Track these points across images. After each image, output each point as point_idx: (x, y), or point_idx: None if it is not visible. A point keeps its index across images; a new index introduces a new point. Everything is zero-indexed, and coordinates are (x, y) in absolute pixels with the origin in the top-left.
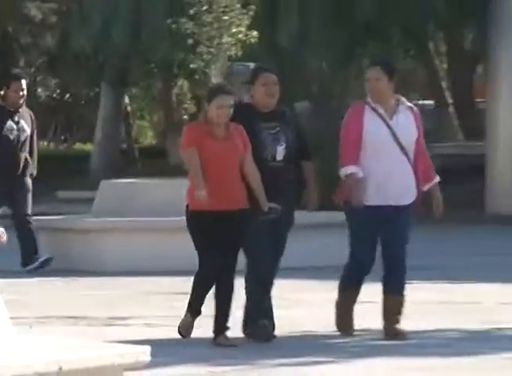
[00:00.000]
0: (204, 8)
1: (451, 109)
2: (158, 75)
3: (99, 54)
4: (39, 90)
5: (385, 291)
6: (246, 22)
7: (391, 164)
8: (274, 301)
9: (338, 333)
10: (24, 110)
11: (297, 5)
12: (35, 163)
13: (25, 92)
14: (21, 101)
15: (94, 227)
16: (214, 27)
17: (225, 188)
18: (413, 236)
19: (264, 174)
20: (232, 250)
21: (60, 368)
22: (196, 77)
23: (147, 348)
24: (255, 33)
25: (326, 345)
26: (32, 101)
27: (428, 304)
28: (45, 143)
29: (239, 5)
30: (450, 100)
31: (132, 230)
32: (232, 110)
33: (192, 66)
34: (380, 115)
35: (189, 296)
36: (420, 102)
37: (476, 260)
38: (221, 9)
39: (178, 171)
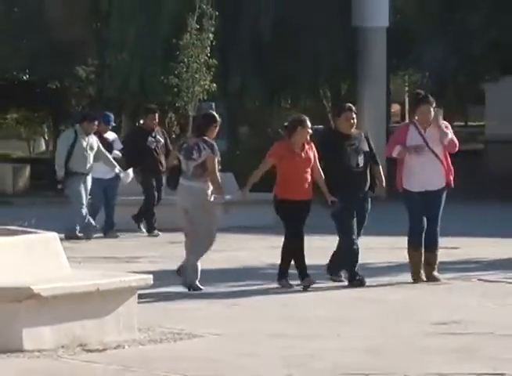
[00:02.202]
0: (184, 69)
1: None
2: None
3: (121, 98)
4: None
5: (426, 248)
6: (209, 78)
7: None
8: None
9: None
10: (158, 129)
11: (239, 67)
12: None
13: (156, 121)
14: (155, 126)
15: None
16: (190, 81)
17: (301, 185)
18: None
19: (350, 176)
20: (302, 225)
21: (98, 289)
22: (180, 111)
23: (151, 276)
24: (214, 85)
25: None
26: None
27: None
28: None
29: (204, 68)
30: (333, 126)
31: None
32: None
33: (177, 105)
34: (418, 130)
35: (279, 264)
36: (315, 126)
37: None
38: (194, 70)
39: None
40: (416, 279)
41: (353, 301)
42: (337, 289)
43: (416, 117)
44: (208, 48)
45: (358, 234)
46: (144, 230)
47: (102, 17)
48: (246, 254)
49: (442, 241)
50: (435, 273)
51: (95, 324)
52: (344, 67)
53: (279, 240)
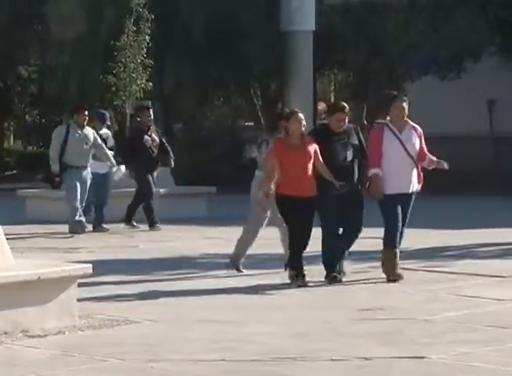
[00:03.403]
0: (121, 69)
1: (263, 128)
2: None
3: (61, 97)
4: (27, 117)
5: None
6: (146, 77)
7: (404, 165)
8: None
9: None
10: (153, 128)
11: (174, 67)
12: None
13: (152, 117)
14: (151, 123)
15: None
16: (127, 80)
17: (301, 181)
18: None
19: (338, 170)
20: (308, 221)
21: (39, 277)
22: (118, 109)
23: (90, 265)
24: (150, 84)
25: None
26: (23, 123)
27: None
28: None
29: (141, 68)
30: (263, 123)
31: None
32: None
33: (115, 103)
34: (393, 132)
35: (288, 261)
36: (246, 123)
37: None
38: (131, 70)
39: None
40: (396, 278)
41: (285, 289)
42: (270, 277)
43: (389, 117)
44: (144, 49)
45: (359, 227)
46: (135, 224)
47: (43, 19)
48: (181, 244)
49: (372, 231)
50: (398, 271)
51: (36, 311)
52: (273, 68)
53: (213, 231)
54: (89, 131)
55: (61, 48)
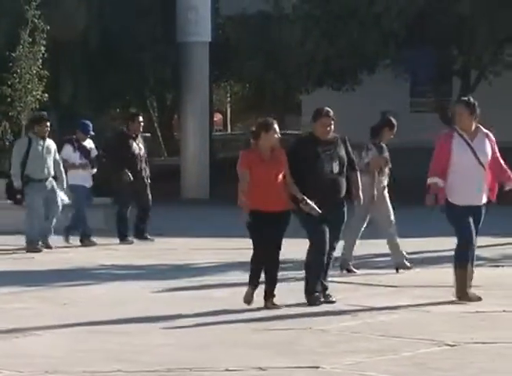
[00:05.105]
0: (17, 80)
1: (160, 139)
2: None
3: None
4: None
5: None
6: (41, 88)
7: (476, 175)
8: None
9: None
10: (140, 137)
11: (70, 78)
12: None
13: (142, 124)
14: (141, 129)
15: None
16: (23, 91)
17: (271, 195)
18: None
19: (324, 183)
20: (277, 238)
21: None
22: (14, 121)
23: None
24: (46, 95)
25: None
26: None
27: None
28: None
29: (36, 79)
30: (159, 134)
31: None
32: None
33: (10, 114)
34: (464, 139)
35: (248, 274)
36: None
37: (184, 224)
38: (27, 81)
39: None
40: (464, 297)
41: (184, 300)
42: (177, 289)
43: (457, 124)
44: (40, 60)
45: (334, 243)
46: (131, 238)
47: None
48: (77, 255)
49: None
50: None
51: None
52: (169, 79)
53: (109, 242)
54: (51, 143)
55: None
